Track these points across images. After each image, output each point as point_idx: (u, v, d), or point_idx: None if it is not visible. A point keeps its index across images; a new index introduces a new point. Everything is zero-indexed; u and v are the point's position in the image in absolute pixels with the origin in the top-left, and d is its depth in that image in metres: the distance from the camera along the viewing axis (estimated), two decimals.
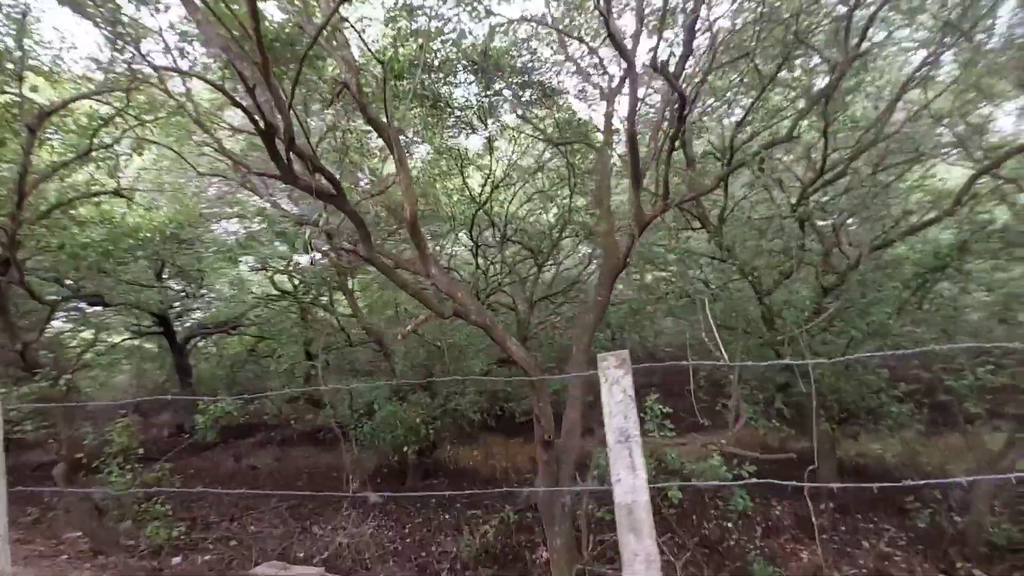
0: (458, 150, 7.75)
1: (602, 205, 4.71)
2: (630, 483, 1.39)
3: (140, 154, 6.25)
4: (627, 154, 6.27)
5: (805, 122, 7.97)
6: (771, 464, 4.76)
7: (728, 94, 6.24)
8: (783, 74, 6.15)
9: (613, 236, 4.51)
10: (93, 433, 4.63)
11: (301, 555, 5.69)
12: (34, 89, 5.58)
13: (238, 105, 3.29)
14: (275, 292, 11.74)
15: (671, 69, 3.74)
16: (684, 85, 3.75)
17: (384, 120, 3.39)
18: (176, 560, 5.48)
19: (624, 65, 4.43)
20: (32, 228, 4.87)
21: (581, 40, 5.23)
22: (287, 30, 4.50)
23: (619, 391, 1.41)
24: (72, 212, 6.11)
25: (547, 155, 10.00)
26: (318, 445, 11.96)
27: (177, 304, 12.38)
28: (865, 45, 5.82)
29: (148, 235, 6.83)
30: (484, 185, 8.36)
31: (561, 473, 4.03)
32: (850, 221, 7.13)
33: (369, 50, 4.55)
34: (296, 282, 11.55)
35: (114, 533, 5.33)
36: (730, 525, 5.65)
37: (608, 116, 4.85)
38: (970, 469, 4.97)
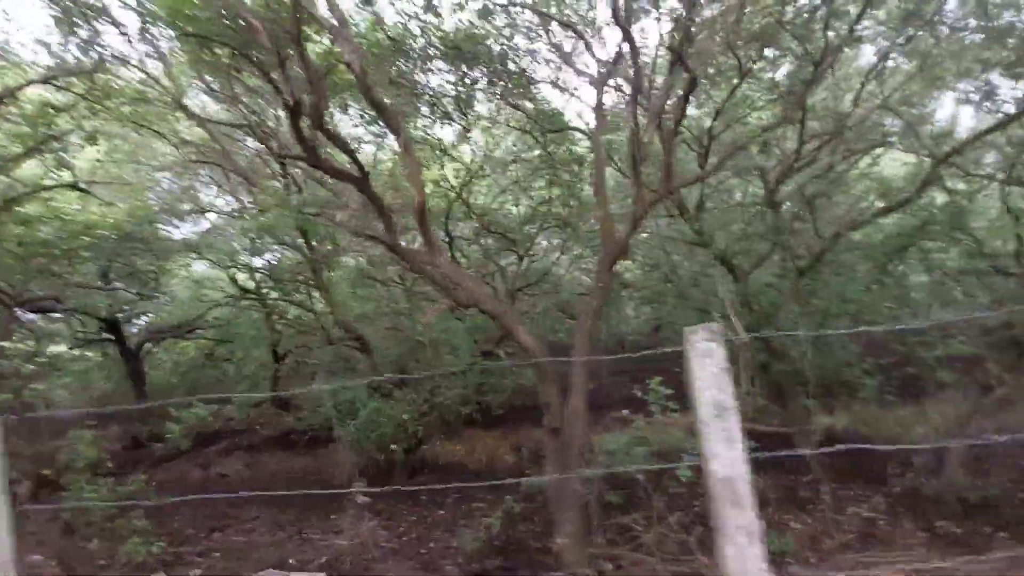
0: (438, 140, 7.60)
1: (598, 192, 4.73)
2: (728, 456, 1.39)
3: (93, 144, 5.79)
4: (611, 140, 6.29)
5: (768, 114, 8.26)
6: (762, 439, 4.93)
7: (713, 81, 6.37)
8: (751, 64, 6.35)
9: (610, 222, 4.53)
10: (66, 445, 4.28)
11: (293, 562, 5.48)
12: None
13: (266, 75, 3.06)
14: (237, 291, 11.22)
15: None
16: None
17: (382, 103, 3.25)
18: None
19: (613, 48, 4.43)
20: None
21: (569, 25, 5.21)
22: (271, 7, 4.23)
23: (711, 364, 1.40)
24: (17, 208, 5.61)
25: (516, 146, 9.99)
26: (288, 449, 11.54)
27: (127, 307, 11.63)
28: (831, 35, 6.09)
29: (104, 232, 6.35)
30: (465, 176, 8.24)
31: (569, 460, 4.04)
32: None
33: (386, 34, 4.34)
34: (259, 280, 11.07)
35: (87, 553, 4.96)
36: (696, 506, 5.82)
37: (599, 102, 4.85)
38: (940, 435, 5.32)
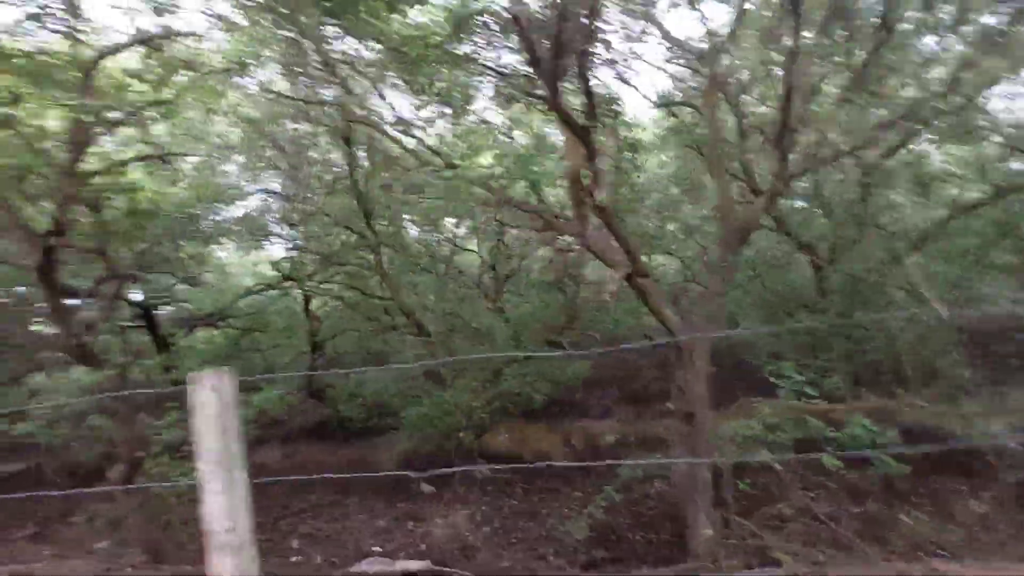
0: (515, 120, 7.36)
1: (715, 170, 4.51)
2: None
3: (169, 118, 5.57)
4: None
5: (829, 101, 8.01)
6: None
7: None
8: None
9: (731, 201, 4.33)
10: (170, 428, 4.08)
11: (377, 549, 5.30)
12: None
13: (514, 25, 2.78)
14: (279, 277, 10.94)
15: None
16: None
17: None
18: None
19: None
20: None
21: None
22: None
23: None
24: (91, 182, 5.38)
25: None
26: (324, 440, 11.37)
27: (166, 294, 11.37)
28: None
29: (173, 211, 6.13)
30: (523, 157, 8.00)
31: (697, 446, 3.85)
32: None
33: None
34: (301, 264, 10.79)
35: (172, 540, 4.79)
36: (813, 495, 5.64)
37: (712, 76, 4.63)
38: None
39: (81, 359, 3.84)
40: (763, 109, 7.81)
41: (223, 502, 1.62)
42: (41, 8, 3.72)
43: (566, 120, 3.17)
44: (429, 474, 6.96)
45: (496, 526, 5.70)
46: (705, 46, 5.69)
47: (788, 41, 3.39)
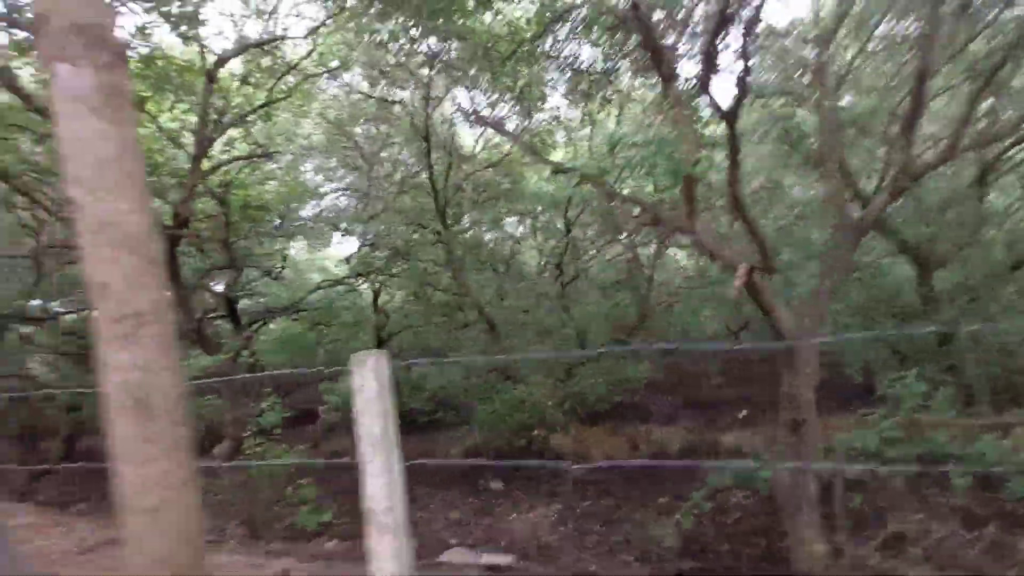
0: (590, 116, 7.27)
1: (827, 165, 4.26)
2: None
3: (268, 120, 5.85)
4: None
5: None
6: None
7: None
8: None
9: (842, 197, 4.07)
10: (272, 410, 4.30)
11: (454, 542, 5.35)
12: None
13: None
14: (350, 272, 11.30)
15: None
16: None
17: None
18: (330, 545, 5.16)
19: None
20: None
21: None
22: None
23: None
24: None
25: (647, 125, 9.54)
26: None
27: (249, 286, 12.02)
28: None
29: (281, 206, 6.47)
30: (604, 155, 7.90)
31: (805, 455, 3.64)
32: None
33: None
34: (371, 259, 11.08)
35: (269, 517, 5.03)
36: (920, 516, 5.22)
37: (821, 64, 4.37)
38: None
39: (200, 344, 4.11)
40: (857, 100, 7.35)
41: (383, 483, 1.65)
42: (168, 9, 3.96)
43: (715, 105, 3.05)
44: (514, 464, 6.97)
45: (570, 527, 5.63)
46: (799, 34, 5.42)
47: (923, 18, 3.12)
